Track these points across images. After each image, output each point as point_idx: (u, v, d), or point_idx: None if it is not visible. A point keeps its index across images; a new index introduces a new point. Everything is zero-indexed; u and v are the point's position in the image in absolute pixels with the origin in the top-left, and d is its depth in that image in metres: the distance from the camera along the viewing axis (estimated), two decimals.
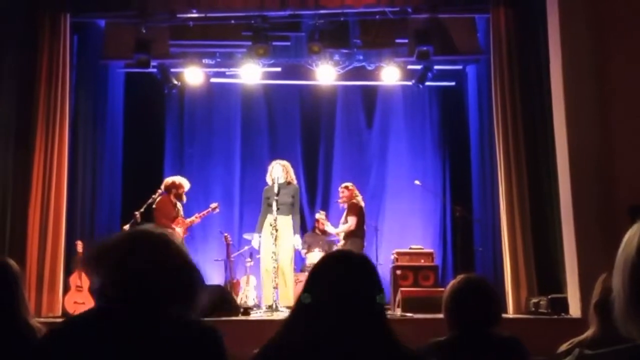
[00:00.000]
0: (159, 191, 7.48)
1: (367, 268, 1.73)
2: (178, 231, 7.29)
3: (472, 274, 2.76)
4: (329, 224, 8.36)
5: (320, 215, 8.45)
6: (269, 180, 7.40)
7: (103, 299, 1.69)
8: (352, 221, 7.67)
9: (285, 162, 7.53)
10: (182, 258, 1.75)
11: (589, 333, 2.39)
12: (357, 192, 7.98)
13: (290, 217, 7.29)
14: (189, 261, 1.77)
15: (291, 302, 7.10)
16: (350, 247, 7.61)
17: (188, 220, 7.54)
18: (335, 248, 8.39)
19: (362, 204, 7.93)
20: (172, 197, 7.45)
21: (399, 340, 1.64)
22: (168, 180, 7.63)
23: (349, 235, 7.71)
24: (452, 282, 2.54)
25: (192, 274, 1.75)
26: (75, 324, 1.72)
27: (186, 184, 7.55)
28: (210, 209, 7.79)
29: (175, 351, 1.61)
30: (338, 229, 7.96)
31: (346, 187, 7.96)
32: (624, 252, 1.18)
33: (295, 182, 7.55)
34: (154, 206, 7.44)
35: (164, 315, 1.65)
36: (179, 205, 7.54)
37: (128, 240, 1.76)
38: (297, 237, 7.45)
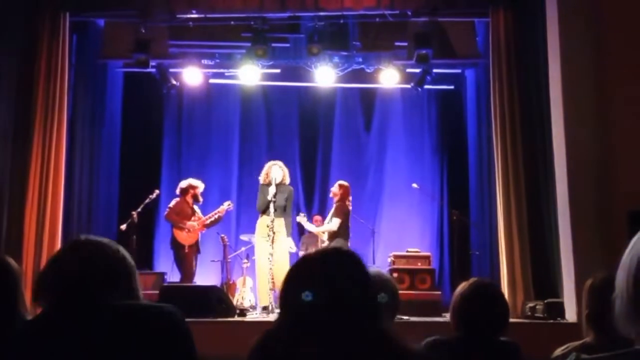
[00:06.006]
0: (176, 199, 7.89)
1: (358, 264, 1.69)
2: (193, 224, 7.68)
3: (484, 278, 2.76)
4: (308, 223, 8.12)
5: (300, 217, 8.32)
6: (263, 179, 7.41)
7: (46, 303, 1.71)
8: (335, 222, 7.53)
9: (281, 163, 7.54)
10: (112, 253, 1.78)
11: (585, 340, 2.39)
12: (350, 194, 7.90)
13: (283, 219, 7.31)
14: (116, 253, 1.79)
15: None
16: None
17: (205, 218, 7.86)
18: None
19: (350, 207, 7.84)
20: (188, 198, 7.82)
21: (394, 337, 1.63)
22: (183, 183, 7.92)
23: (332, 236, 7.61)
24: (462, 284, 2.55)
25: (120, 261, 1.78)
26: (34, 325, 1.72)
27: (201, 185, 7.91)
28: (226, 206, 7.98)
29: (136, 335, 1.60)
30: (319, 228, 7.90)
31: (340, 185, 7.85)
32: (630, 252, 1.17)
33: (288, 182, 7.56)
34: (169, 205, 7.81)
35: (111, 304, 1.66)
36: (195, 206, 7.88)
37: (63, 250, 1.83)
38: (290, 239, 7.48)
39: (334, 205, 7.76)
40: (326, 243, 7.83)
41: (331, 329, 1.55)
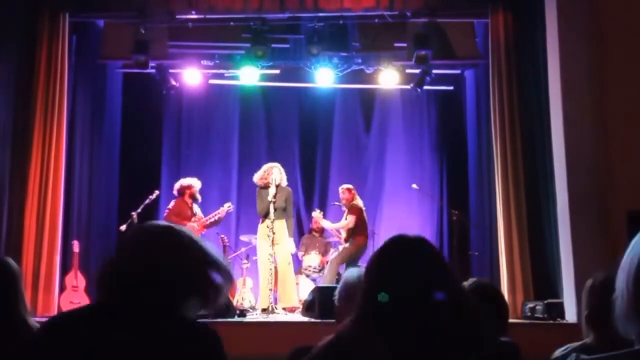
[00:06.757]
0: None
1: (438, 254, 1.64)
2: (193, 225, 7.63)
3: (484, 278, 2.76)
4: (324, 220, 8.41)
5: (316, 213, 8.48)
6: (261, 182, 7.42)
7: (106, 291, 1.64)
8: (350, 219, 7.84)
9: (279, 166, 7.56)
10: (201, 256, 1.67)
11: (585, 340, 2.39)
12: (357, 195, 8.08)
13: (284, 220, 7.33)
14: (209, 260, 1.68)
15: (292, 304, 7.12)
16: (351, 247, 7.71)
17: (205, 219, 7.87)
18: (332, 251, 8.39)
19: (362, 206, 8.02)
20: (186, 199, 7.83)
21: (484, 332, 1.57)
22: (177, 184, 7.93)
23: (350, 234, 7.89)
24: (462, 285, 2.55)
25: (208, 274, 1.67)
26: (71, 318, 1.67)
27: (197, 183, 7.90)
28: (226, 208, 8.00)
29: (172, 351, 1.57)
30: (334, 225, 8.18)
31: (348, 190, 8.05)
32: (630, 253, 1.18)
33: (285, 184, 7.59)
34: (168, 207, 7.83)
35: (165, 315, 1.61)
36: (195, 206, 7.90)
37: (146, 234, 1.70)
38: (291, 240, 7.51)
39: (347, 207, 8.04)
40: (342, 246, 7.95)
41: (419, 325, 1.51)
